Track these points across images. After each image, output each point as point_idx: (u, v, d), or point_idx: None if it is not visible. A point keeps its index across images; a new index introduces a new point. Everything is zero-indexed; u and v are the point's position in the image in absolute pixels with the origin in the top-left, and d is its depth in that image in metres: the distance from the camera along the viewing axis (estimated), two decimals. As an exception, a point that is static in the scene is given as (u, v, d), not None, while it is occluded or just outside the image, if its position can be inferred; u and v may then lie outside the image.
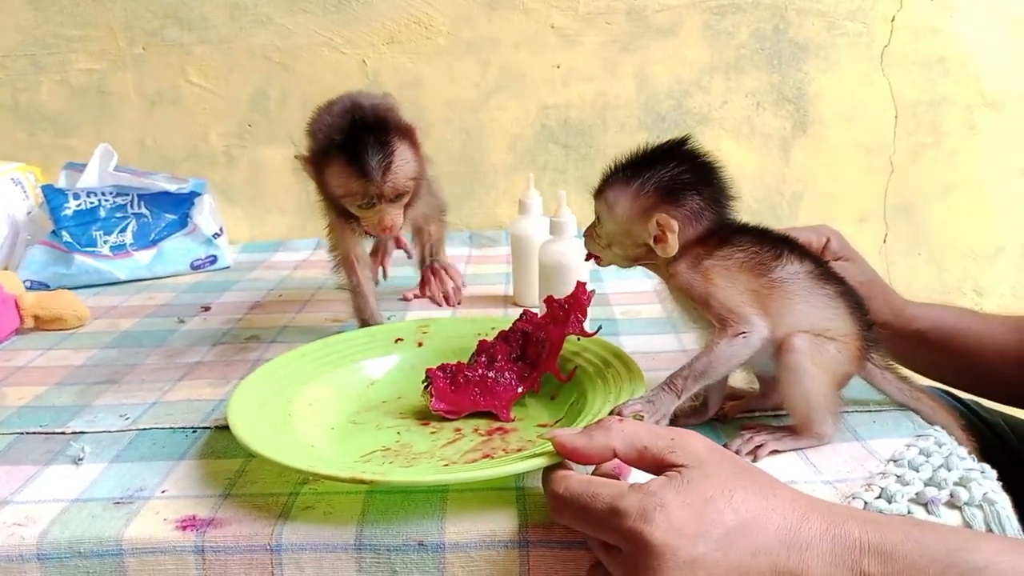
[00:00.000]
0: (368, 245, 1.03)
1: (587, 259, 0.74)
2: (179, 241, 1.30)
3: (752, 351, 0.64)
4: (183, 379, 0.87)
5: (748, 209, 1.51)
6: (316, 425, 0.72)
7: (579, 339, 0.78)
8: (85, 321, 1.06)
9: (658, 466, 0.53)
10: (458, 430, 0.72)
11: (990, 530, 0.57)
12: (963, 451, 0.64)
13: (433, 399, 0.73)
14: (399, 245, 1.18)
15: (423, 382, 0.74)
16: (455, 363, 0.75)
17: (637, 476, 0.60)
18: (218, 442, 0.72)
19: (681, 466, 0.52)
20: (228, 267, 1.33)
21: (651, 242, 0.66)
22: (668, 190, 0.65)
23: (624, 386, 0.70)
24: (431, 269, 1.10)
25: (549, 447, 0.58)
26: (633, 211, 0.66)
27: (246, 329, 1.02)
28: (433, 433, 0.72)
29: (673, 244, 0.65)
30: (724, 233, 0.67)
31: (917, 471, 0.62)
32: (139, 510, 0.61)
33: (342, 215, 0.88)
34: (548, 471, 0.57)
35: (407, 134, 0.84)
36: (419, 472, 0.59)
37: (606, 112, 1.44)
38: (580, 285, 0.78)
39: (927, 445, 0.65)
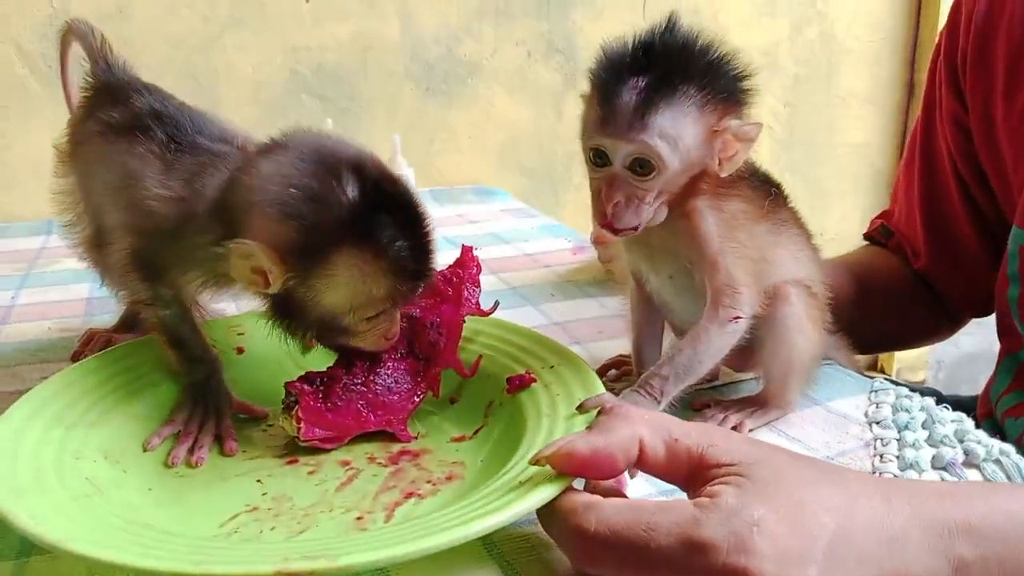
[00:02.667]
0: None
1: (618, 234, 0.50)
2: None
3: (738, 338, 0.52)
4: None
5: (525, 170, 1.42)
6: (126, 489, 0.46)
7: (464, 320, 0.60)
8: None
9: (694, 467, 0.40)
10: (346, 463, 0.51)
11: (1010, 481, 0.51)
12: (930, 400, 0.58)
13: (302, 425, 0.51)
14: None
15: (284, 401, 0.52)
16: (326, 370, 0.53)
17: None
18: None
19: (729, 464, 0.39)
20: None
21: (716, 166, 0.50)
22: (728, 90, 0.48)
23: (565, 371, 0.54)
24: None
25: (535, 470, 0.41)
26: (702, 131, 0.48)
27: (-76, 354, 0.68)
28: (312, 473, 0.50)
29: (742, 156, 0.49)
30: None
31: (908, 429, 0.55)
32: None
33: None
34: (551, 504, 0.40)
35: None
36: (375, 541, 0.37)
37: (367, 56, 1.24)
38: (467, 250, 0.60)
39: (895, 400, 0.58)
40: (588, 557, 0.38)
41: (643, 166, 0.48)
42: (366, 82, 1.25)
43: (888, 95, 1.64)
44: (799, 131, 1.58)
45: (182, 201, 0.52)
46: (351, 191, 0.47)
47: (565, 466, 0.40)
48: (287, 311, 0.50)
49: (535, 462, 0.41)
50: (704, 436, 0.40)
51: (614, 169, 0.49)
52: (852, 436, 0.55)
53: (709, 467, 0.39)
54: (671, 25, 0.48)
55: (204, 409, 0.54)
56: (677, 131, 0.47)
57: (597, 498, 0.39)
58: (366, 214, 0.47)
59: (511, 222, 1.11)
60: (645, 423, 0.40)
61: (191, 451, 0.51)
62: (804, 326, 0.53)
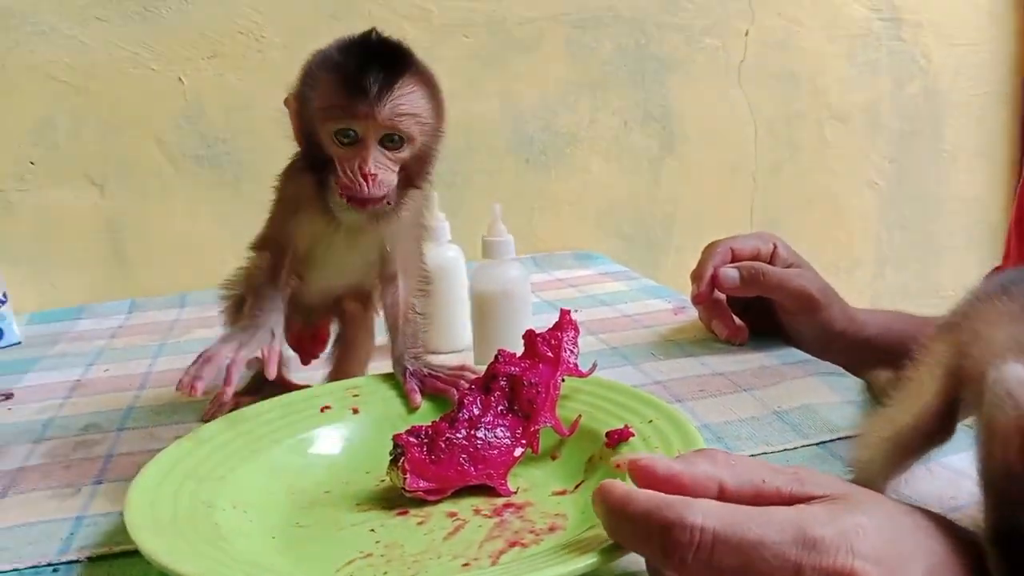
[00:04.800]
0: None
1: None
2: (-53, 314, 0.98)
3: None
4: (7, 494, 0.60)
5: (623, 234, 1.44)
6: (251, 536, 0.50)
7: (563, 380, 0.62)
8: None
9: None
10: (453, 515, 0.53)
11: None
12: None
13: (407, 477, 0.54)
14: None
15: (391, 454, 0.55)
16: (431, 423, 0.56)
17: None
18: (99, 584, 0.48)
19: (821, 497, 0.39)
20: (19, 343, 1.03)
21: None
22: None
23: (664, 425, 0.55)
24: (416, 377, 0.67)
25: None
26: None
27: (76, 416, 0.75)
28: (420, 524, 0.52)
29: None
30: None
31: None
32: None
33: (313, 168, 0.65)
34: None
35: (425, 74, 0.65)
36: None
37: (470, 134, 1.30)
38: (564, 313, 0.63)
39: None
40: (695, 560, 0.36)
41: None
42: (470, 158, 1.31)
43: (999, 149, 1.59)
44: (907, 187, 1.55)
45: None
46: (351, 44, 0.62)
47: (641, 476, 0.40)
48: (317, 156, 0.64)
49: (617, 466, 0.43)
50: (790, 476, 0.41)
51: None
52: (965, 492, 0.53)
53: (801, 502, 0.39)
54: None
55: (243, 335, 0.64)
56: None
57: (685, 498, 0.38)
58: (348, 55, 0.61)
59: (611, 285, 1.13)
60: (730, 468, 0.41)
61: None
62: None
